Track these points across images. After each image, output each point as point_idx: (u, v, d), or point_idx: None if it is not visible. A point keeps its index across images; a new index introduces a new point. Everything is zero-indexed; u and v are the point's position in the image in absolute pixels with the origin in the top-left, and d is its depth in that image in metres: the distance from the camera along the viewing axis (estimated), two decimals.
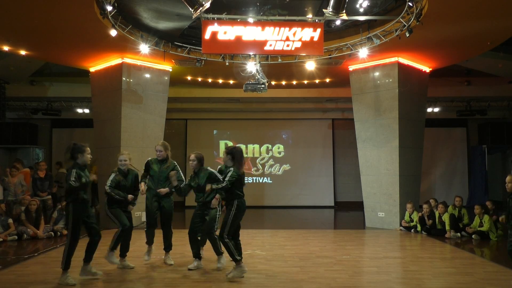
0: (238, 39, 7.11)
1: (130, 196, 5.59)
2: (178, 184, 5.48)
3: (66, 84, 12.32)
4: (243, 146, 13.92)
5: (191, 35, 8.52)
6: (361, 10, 7.19)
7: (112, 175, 5.53)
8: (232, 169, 5.07)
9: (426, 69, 9.80)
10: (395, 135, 9.11)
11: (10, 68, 10.62)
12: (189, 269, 5.45)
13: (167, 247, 5.89)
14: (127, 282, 4.96)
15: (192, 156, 5.53)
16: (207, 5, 6.15)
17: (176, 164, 5.87)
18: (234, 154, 5.13)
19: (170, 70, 9.73)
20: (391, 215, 9.18)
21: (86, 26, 7.16)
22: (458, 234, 8.04)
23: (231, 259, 5.07)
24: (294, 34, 7.15)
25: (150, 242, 5.88)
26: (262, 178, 13.88)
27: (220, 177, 5.29)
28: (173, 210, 5.90)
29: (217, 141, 13.99)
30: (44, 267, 5.60)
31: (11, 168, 8.92)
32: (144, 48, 8.02)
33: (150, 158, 5.92)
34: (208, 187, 5.21)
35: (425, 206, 8.66)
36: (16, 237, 7.63)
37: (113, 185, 5.46)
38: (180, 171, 5.77)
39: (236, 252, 5.02)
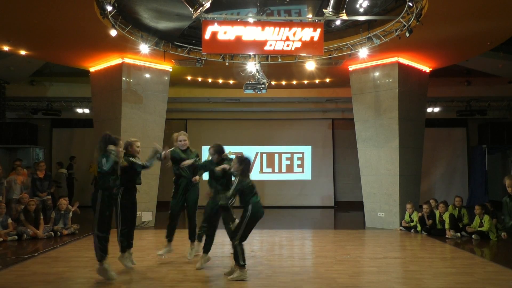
0: (238, 39, 7.11)
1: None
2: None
3: (66, 84, 12.31)
4: (243, 148, 13.95)
5: (191, 35, 8.52)
6: (361, 10, 7.19)
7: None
8: (237, 179, 5.05)
9: (426, 69, 9.80)
10: (395, 135, 9.11)
11: (10, 68, 10.62)
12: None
13: (191, 236, 6.01)
14: (127, 283, 4.96)
15: (211, 150, 5.61)
16: (207, 5, 6.15)
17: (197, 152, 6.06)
18: (244, 164, 5.09)
19: (170, 70, 9.73)
20: (391, 215, 9.18)
21: (86, 26, 7.16)
22: (458, 234, 8.04)
23: (235, 262, 5.08)
24: (294, 34, 7.14)
25: (169, 237, 5.97)
26: (262, 178, 13.88)
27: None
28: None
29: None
30: (44, 267, 5.59)
31: (16, 168, 8.94)
32: (144, 48, 8.02)
33: (173, 148, 5.98)
34: (219, 168, 5.40)
35: (425, 206, 8.66)
36: (16, 237, 7.63)
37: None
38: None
39: (242, 258, 5.03)
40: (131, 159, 5.44)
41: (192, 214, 6.01)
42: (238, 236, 5.02)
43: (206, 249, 5.59)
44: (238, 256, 5.02)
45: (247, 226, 5.03)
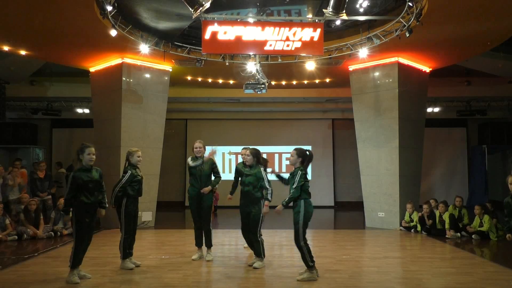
0: (238, 39, 7.11)
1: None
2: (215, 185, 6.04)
3: (66, 84, 12.32)
4: (243, 147, 13.95)
5: (191, 35, 8.52)
6: (361, 10, 7.19)
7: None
8: (300, 174, 5.00)
9: (426, 69, 9.80)
10: (395, 135, 9.12)
11: (10, 68, 10.62)
12: (250, 265, 5.64)
13: (207, 244, 6.06)
14: (127, 283, 4.96)
15: (247, 152, 5.73)
16: (207, 5, 6.14)
17: (213, 160, 6.10)
18: (304, 156, 5.06)
19: (170, 70, 9.74)
20: (391, 215, 9.18)
21: (86, 26, 7.16)
22: (458, 234, 8.04)
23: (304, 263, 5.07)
24: (294, 34, 7.14)
25: (199, 244, 6.08)
26: None
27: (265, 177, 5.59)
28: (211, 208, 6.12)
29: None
30: (44, 267, 5.60)
31: (13, 168, 8.93)
32: (144, 48, 8.03)
33: (189, 158, 6.13)
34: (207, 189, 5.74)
35: (425, 206, 8.67)
36: (16, 237, 7.63)
37: None
38: (217, 165, 6.15)
39: (310, 258, 4.99)
40: (131, 170, 5.52)
41: (207, 221, 6.01)
42: (302, 238, 4.96)
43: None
44: (306, 257, 4.97)
45: (305, 224, 4.97)
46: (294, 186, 4.92)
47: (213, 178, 6.11)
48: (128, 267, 5.46)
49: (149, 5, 7.11)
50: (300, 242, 4.95)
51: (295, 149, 5.12)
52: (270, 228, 9.18)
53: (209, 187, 5.96)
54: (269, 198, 5.53)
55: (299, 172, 4.95)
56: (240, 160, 6.31)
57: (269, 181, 5.63)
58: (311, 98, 12.60)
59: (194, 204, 5.99)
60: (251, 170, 5.68)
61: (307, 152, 5.06)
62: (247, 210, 5.64)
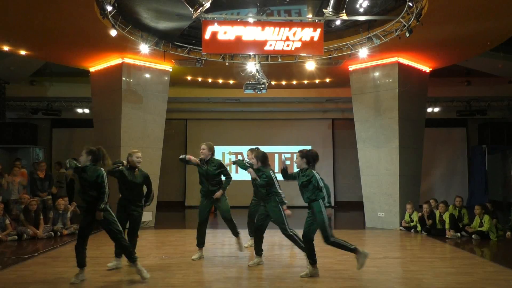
0: (238, 39, 7.11)
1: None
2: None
3: (66, 84, 12.32)
4: (243, 148, 13.95)
5: (191, 35, 8.52)
6: (361, 10, 7.19)
7: None
8: (317, 175, 5.32)
9: (426, 69, 9.80)
10: (395, 135, 9.12)
11: (10, 68, 10.62)
12: (249, 266, 5.66)
13: (235, 234, 6.13)
14: (127, 283, 4.96)
15: (253, 155, 5.83)
16: (207, 5, 6.15)
17: (220, 161, 6.11)
18: (307, 156, 5.40)
19: (170, 70, 9.74)
20: (391, 215, 9.18)
21: (86, 26, 7.16)
22: (458, 234, 8.04)
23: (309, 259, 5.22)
24: (294, 34, 7.15)
25: (200, 244, 6.07)
26: None
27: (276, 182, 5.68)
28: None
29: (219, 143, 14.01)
30: (44, 267, 5.59)
31: (13, 169, 8.92)
32: (144, 48, 8.03)
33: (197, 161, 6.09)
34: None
35: (425, 206, 8.67)
36: (16, 237, 7.63)
37: None
38: (227, 168, 6.12)
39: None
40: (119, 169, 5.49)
41: (229, 219, 6.02)
42: (331, 234, 5.04)
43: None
44: (345, 247, 5.09)
45: (329, 220, 5.07)
46: (320, 186, 5.24)
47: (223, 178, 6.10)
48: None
49: (149, 5, 7.11)
50: (330, 239, 5.05)
51: (299, 151, 5.44)
52: (271, 228, 9.16)
53: (221, 191, 5.94)
54: (285, 201, 5.63)
55: (314, 173, 5.29)
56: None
57: (279, 185, 5.71)
58: (311, 98, 12.61)
59: (203, 203, 5.98)
60: (261, 173, 5.70)
61: (310, 152, 5.21)
62: (265, 210, 5.74)
